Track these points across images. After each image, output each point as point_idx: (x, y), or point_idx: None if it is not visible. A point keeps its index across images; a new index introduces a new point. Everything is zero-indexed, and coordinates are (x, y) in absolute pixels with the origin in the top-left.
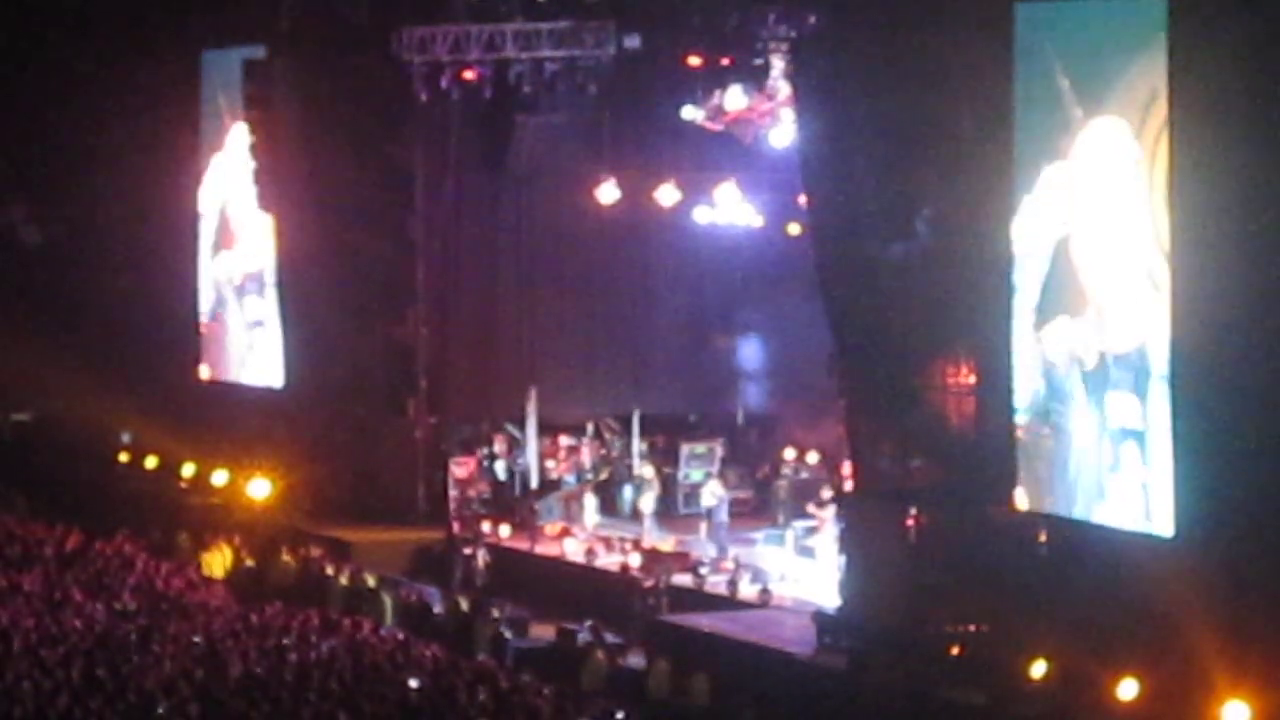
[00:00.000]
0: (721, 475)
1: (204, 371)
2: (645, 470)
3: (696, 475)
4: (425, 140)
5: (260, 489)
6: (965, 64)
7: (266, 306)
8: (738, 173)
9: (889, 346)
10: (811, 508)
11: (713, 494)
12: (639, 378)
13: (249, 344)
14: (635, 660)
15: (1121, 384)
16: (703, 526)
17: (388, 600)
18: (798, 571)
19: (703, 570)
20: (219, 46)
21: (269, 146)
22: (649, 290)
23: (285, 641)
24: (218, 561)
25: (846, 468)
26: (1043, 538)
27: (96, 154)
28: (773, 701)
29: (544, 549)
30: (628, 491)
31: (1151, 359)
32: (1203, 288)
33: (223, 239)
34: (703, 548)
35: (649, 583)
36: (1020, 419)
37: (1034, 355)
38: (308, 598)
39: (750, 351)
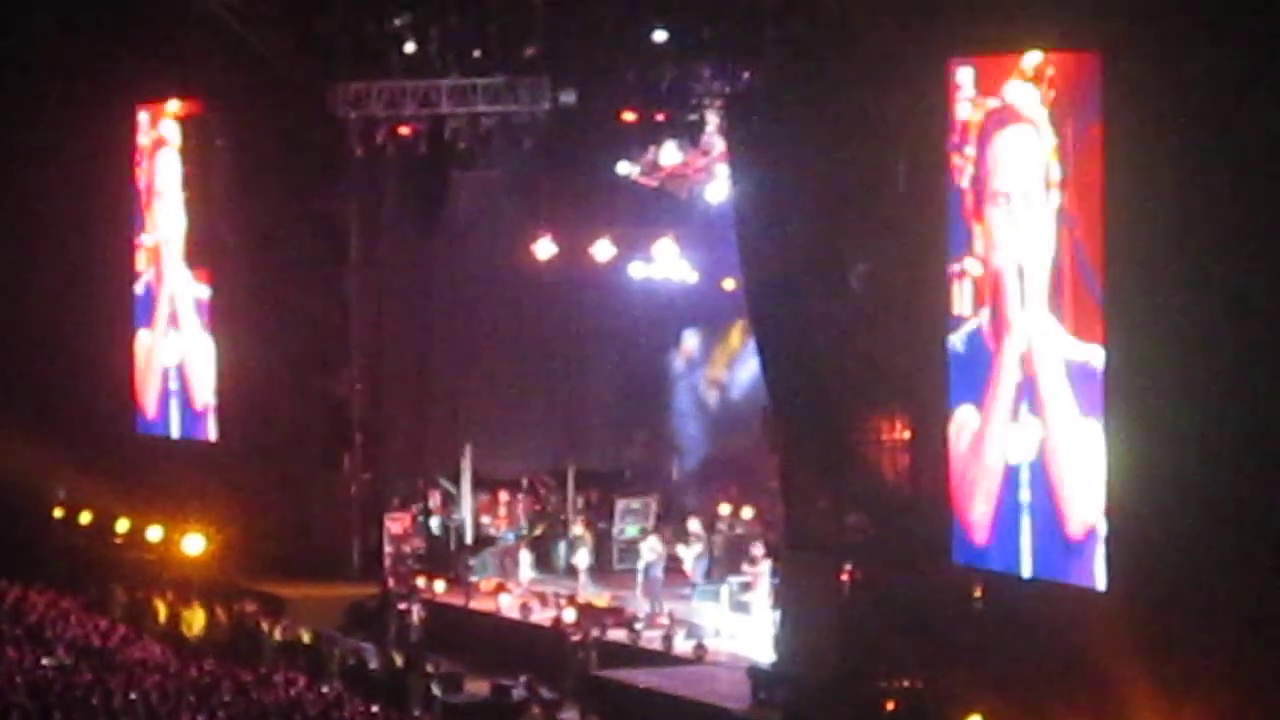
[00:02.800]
0: (659, 531)
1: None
2: (579, 526)
3: (631, 531)
4: (360, 195)
5: (195, 544)
6: (900, 120)
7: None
8: (674, 228)
9: (824, 401)
10: (745, 564)
11: (651, 550)
12: (574, 433)
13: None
14: (570, 716)
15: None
16: (638, 582)
17: (336, 654)
18: (733, 627)
19: (638, 626)
20: (153, 100)
21: (203, 201)
22: (584, 345)
23: (220, 698)
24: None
25: (779, 523)
26: (978, 592)
27: (30, 208)
28: None
29: (479, 604)
30: (562, 547)
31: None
32: (1134, 341)
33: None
34: (637, 603)
35: (577, 637)
36: None
37: None
38: (241, 653)
39: (685, 406)
